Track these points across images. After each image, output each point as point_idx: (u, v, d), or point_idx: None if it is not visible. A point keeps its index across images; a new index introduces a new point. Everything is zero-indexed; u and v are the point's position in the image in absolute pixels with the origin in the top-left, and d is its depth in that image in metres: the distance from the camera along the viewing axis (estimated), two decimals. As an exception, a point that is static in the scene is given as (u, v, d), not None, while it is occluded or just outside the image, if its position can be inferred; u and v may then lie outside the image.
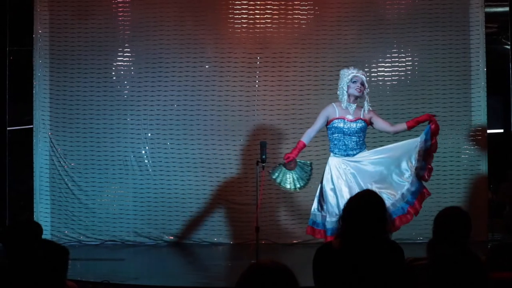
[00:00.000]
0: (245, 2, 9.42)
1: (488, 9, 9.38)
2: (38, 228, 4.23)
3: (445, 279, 3.00)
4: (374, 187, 6.82)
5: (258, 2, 9.41)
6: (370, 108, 7.12)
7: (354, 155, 7.01)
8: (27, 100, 9.52)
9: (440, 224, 4.03)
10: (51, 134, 9.45)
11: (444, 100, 9.27)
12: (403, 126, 7.15)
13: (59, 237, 9.28)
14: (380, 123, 7.19)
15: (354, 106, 7.04)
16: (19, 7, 9.67)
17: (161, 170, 9.40)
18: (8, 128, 9.69)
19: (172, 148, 9.41)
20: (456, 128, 9.28)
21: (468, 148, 9.28)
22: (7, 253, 4.05)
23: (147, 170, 9.40)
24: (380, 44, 9.35)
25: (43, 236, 4.38)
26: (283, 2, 9.42)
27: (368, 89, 7.14)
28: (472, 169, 9.26)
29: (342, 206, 6.77)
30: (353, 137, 6.98)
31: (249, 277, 2.63)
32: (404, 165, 6.98)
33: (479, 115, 9.23)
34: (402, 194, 6.91)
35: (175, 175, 9.38)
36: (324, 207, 6.97)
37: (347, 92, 7.03)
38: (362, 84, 7.03)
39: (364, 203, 3.60)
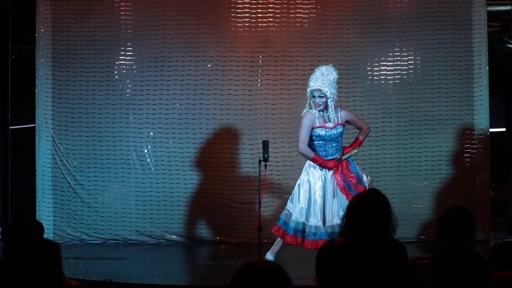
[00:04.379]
0: (247, 1, 9.41)
1: (490, 8, 9.37)
2: (39, 227, 4.23)
3: (448, 278, 3.00)
4: (334, 200, 6.99)
5: (260, 1, 9.40)
6: (343, 111, 7.16)
7: (333, 159, 7.10)
8: (29, 99, 9.53)
9: (445, 223, 4.02)
10: (53, 133, 9.46)
11: (446, 99, 9.26)
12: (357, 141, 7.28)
13: (62, 236, 9.29)
14: (357, 123, 7.31)
15: (331, 115, 7.06)
16: (21, 6, 9.68)
17: (163, 169, 9.40)
18: (10, 127, 9.71)
19: (174, 147, 9.41)
20: (458, 127, 9.27)
21: (470, 147, 9.27)
22: (9, 252, 4.06)
23: (150, 169, 9.41)
24: (382, 43, 9.34)
25: (45, 235, 4.39)
26: (285, 1, 9.41)
27: (332, 94, 7.04)
28: (474, 168, 9.25)
29: (313, 208, 7.00)
30: (333, 143, 7.13)
31: (241, 279, 2.63)
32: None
33: (481, 114, 9.22)
34: (333, 225, 6.97)
35: (178, 174, 9.39)
36: (292, 206, 7.13)
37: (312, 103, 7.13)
38: (322, 96, 7.01)
39: (369, 202, 3.59)
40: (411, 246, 7.07)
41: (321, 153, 7.11)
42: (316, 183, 7.06)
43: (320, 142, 7.10)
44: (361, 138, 7.27)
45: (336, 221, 6.91)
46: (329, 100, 6.99)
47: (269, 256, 7.12)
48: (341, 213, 6.87)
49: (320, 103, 7.00)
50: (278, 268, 2.65)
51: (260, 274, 2.62)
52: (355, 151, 7.19)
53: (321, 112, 7.06)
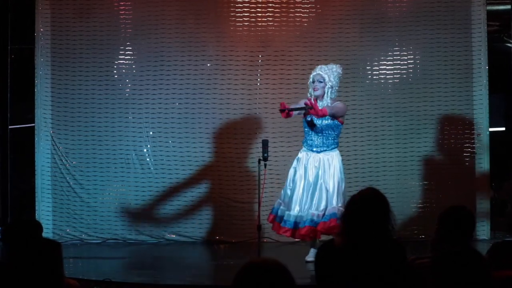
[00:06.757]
0: (247, 0, 9.41)
1: (490, 7, 9.36)
2: (38, 227, 4.23)
3: (448, 278, 3.00)
4: (309, 191, 7.20)
5: (260, 1, 9.40)
6: (330, 102, 7.26)
7: (318, 152, 7.18)
8: (28, 99, 9.51)
9: (445, 223, 4.01)
10: (52, 132, 9.45)
11: (446, 98, 9.26)
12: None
13: (61, 236, 9.29)
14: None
15: (325, 102, 7.18)
16: (20, 5, 9.67)
17: (162, 169, 9.39)
18: (9, 127, 9.69)
19: (173, 146, 9.41)
20: (458, 126, 9.26)
21: (470, 146, 9.26)
22: (8, 251, 4.05)
23: (149, 168, 9.40)
24: (382, 42, 9.33)
25: (45, 235, 4.38)
26: (284, 1, 9.40)
27: (332, 82, 7.23)
28: (474, 168, 9.24)
29: (294, 196, 7.10)
30: (319, 134, 7.21)
31: (244, 277, 2.62)
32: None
33: (481, 113, 9.21)
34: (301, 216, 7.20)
35: (177, 173, 9.38)
36: (282, 195, 7.41)
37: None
38: (321, 81, 7.20)
39: (368, 202, 3.59)
40: (411, 246, 7.05)
41: (308, 141, 7.36)
42: (299, 171, 7.27)
43: (307, 129, 7.37)
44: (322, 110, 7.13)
45: (308, 211, 7.12)
46: (327, 86, 7.19)
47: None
48: (312, 203, 7.11)
49: (318, 88, 7.22)
50: (282, 267, 2.64)
51: (264, 273, 2.61)
52: (302, 107, 7.17)
53: (317, 101, 7.20)
